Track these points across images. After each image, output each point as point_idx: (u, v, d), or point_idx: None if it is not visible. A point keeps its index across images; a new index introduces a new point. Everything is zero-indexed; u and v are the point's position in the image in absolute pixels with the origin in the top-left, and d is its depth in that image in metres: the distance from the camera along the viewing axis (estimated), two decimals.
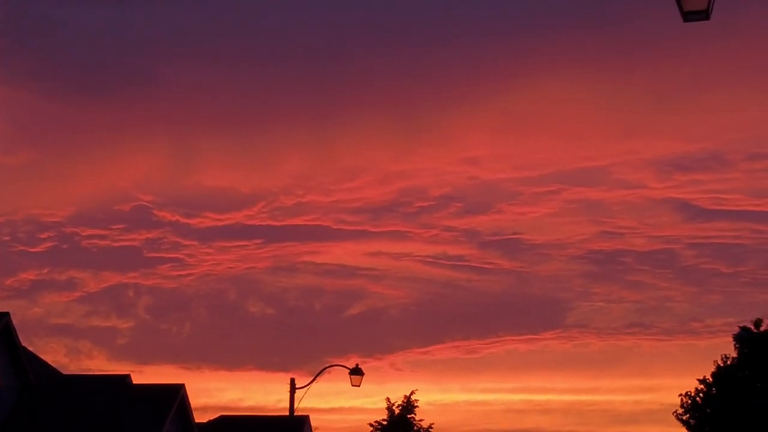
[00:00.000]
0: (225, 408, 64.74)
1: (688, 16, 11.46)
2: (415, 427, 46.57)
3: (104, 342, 68.03)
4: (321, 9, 71.14)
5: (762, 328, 39.41)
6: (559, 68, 67.11)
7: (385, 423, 46.69)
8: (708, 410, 39.49)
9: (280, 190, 69.08)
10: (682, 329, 68.17)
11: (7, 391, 32.01)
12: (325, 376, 37.10)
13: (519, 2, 68.14)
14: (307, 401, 43.69)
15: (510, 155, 74.12)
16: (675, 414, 40.23)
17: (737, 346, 39.57)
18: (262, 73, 72.65)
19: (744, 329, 39.65)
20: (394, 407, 46.80)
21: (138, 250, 68.08)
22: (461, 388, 69.28)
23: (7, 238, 67.47)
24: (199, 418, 36.52)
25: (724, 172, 66.44)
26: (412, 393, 46.95)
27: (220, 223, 68.29)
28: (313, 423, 42.71)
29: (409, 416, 46.66)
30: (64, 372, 38.65)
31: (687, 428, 40.05)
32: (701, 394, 39.92)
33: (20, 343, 32.10)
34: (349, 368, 36.79)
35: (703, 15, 11.42)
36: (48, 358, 40.81)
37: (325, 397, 54.54)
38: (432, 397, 60.00)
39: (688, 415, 39.92)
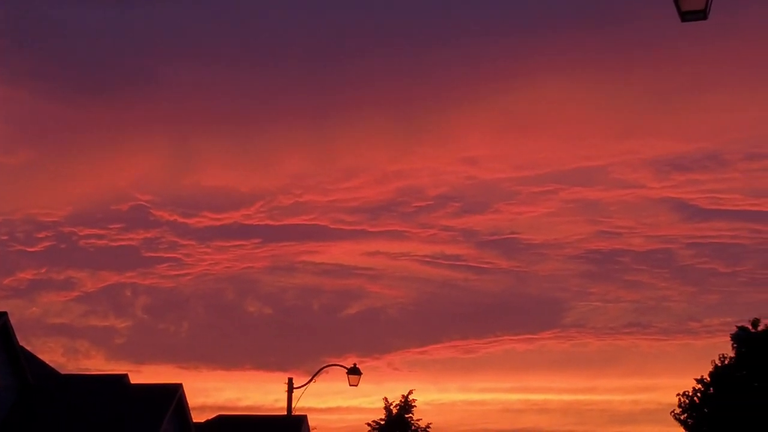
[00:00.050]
0: (223, 407, 64.60)
1: (686, 16, 11.51)
2: (413, 427, 46.56)
3: (102, 342, 68.07)
4: (321, 9, 71.29)
5: (760, 328, 39.44)
6: (559, 68, 67.27)
7: (382, 423, 46.68)
8: (706, 410, 39.52)
9: (278, 189, 69.12)
10: (679, 329, 68.24)
11: (6, 391, 31.96)
12: (322, 375, 37.19)
13: (519, 2, 68.29)
14: (305, 401, 43.66)
15: (509, 155, 74.27)
16: (673, 414, 40.27)
17: (735, 345, 39.60)
18: (262, 73, 72.74)
19: (742, 329, 39.68)
20: (391, 407, 46.80)
21: (136, 250, 68.11)
22: (459, 388, 69.26)
23: (5, 237, 67.56)
24: (197, 417, 36.46)
25: (722, 171, 66.60)
26: (410, 393, 47.00)
27: (218, 223, 68.34)
28: (311, 423, 42.55)
29: (406, 416, 46.65)
30: (62, 372, 38.60)
31: (685, 428, 40.07)
32: (699, 394, 39.94)
33: (18, 342, 32.05)
34: (346, 368, 36.80)
35: (701, 15, 11.47)
36: (46, 357, 40.78)
37: (322, 396, 54.70)
38: (430, 397, 59.92)
39: (685, 415, 39.94)
